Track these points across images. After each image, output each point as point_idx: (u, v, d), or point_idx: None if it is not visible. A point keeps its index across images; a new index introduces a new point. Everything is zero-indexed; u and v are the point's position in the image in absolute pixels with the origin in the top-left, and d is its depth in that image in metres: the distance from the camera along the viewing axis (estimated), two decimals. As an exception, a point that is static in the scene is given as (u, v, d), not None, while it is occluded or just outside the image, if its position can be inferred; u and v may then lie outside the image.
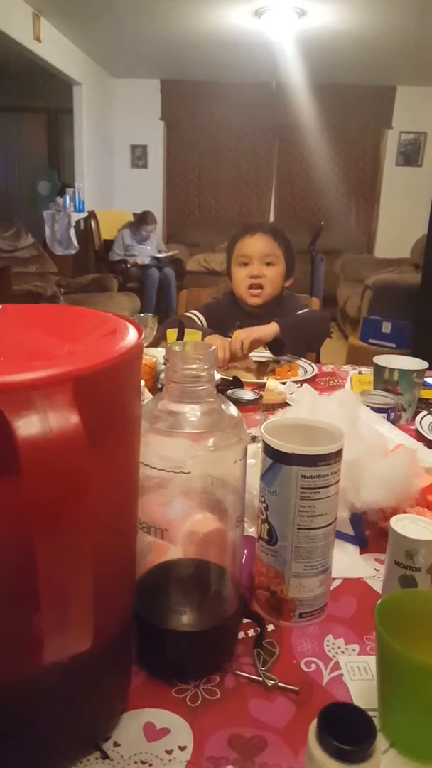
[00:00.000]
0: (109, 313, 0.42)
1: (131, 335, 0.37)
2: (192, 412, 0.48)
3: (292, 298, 1.78)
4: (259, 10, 4.02)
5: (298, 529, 0.54)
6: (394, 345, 3.58)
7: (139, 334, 0.38)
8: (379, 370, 1.21)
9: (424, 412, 1.20)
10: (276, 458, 0.54)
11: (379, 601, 0.47)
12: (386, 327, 3.75)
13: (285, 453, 0.53)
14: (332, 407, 0.82)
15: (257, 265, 1.62)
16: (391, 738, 0.46)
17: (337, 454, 0.55)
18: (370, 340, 3.79)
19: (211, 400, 0.49)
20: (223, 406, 0.50)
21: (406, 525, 0.59)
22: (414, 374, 1.17)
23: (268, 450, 0.55)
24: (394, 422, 1.08)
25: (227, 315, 1.68)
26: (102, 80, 5.90)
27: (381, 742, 0.45)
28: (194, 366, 0.47)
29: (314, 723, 0.37)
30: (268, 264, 1.63)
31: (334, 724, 0.35)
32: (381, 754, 0.43)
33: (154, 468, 0.47)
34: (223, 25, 4.33)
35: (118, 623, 0.42)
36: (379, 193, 6.51)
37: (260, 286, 1.62)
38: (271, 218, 6.53)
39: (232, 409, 0.50)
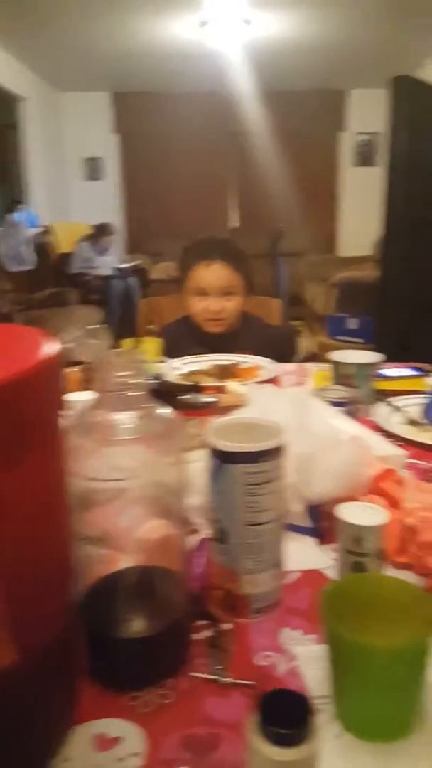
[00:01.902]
0: (30, 328, 0.42)
1: (46, 349, 0.37)
2: (126, 419, 0.48)
3: (256, 321, 1.73)
4: (203, 21, 4.07)
5: (246, 525, 0.55)
6: (362, 340, 3.62)
7: (57, 347, 0.38)
8: (335, 365, 1.23)
9: (382, 404, 1.22)
10: (219, 458, 0.55)
11: (324, 588, 0.48)
12: (353, 323, 3.80)
13: (227, 452, 0.54)
14: (284, 405, 0.84)
15: (216, 299, 1.55)
16: (345, 722, 0.46)
17: (278, 450, 0.56)
18: (338, 337, 3.84)
19: (145, 405, 0.49)
20: (158, 411, 0.50)
21: (354, 512, 0.60)
22: (369, 368, 1.19)
23: (212, 450, 0.55)
24: (352, 415, 1.10)
25: (185, 340, 1.60)
26: (49, 94, 5.88)
27: (334, 727, 0.46)
28: (124, 374, 0.47)
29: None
30: (227, 294, 1.56)
31: (272, 711, 0.36)
32: (333, 738, 0.44)
33: (94, 479, 0.47)
34: (169, 35, 4.37)
35: (53, 637, 0.41)
36: (337, 193, 6.62)
37: (220, 318, 1.57)
38: (235, 224, 6.58)
39: (168, 414, 0.51)
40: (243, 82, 5.42)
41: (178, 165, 6.42)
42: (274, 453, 0.55)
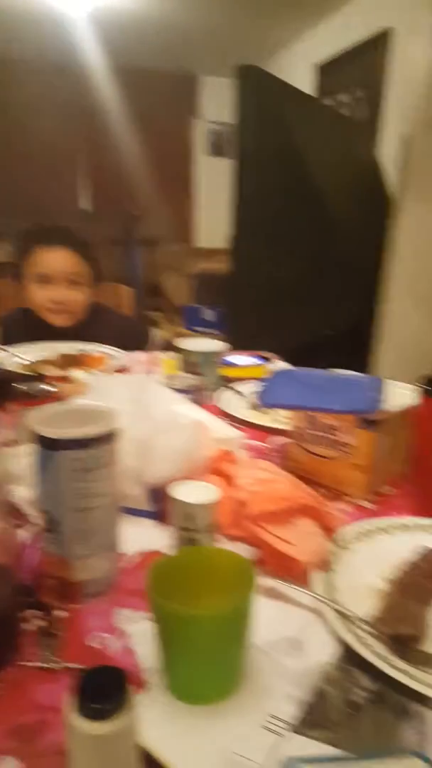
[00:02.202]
0: None
1: None
2: None
3: (106, 312, 1.66)
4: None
5: (75, 512, 0.55)
6: (217, 330, 3.74)
7: None
8: (182, 354, 1.26)
9: (226, 389, 1.28)
10: (45, 446, 0.54)
11: (151, 564, 0.50)
12: (209, 314, 3.91)
13: (52, 439, 0.53)
14: (124, 392, 0.84)
15: (60, 288, 1.44)
16: (173, 690, 0.49)
17: (109, 435, 0.56)
18: (195, 328, 3.92)
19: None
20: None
21: (186, 491, 0.63)
22: (213, 356, 1.24)
23: (37, 438, 0.54)
24: (197, 401, 1.14)
25: (25, 333, 1.46)
26: None
27: (164, 695, 0.48)
28: None
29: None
30: (72, 283, 1.47)
31: (90, 689, 0.37)
32: (161, 705, 0.46)
33: None
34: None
35: None
36: (193, 183, 6.68)
37: (66, 310, 1.47)
38: (87, 206, 6.36)
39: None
40: (92, 54, 5.23)
41: (24, 138, 6.01)
42: (104, 439, 0.55)
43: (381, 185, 2.75)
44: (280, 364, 1.48)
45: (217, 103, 6.31)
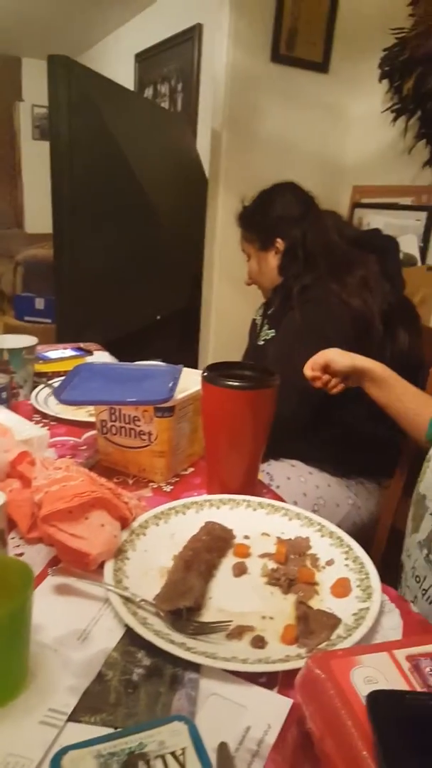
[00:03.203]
0: None
1: None
2: None
3: None
4: None
5: None
6: (49, 320, 3.61)
7: None
8: (-11, 351, 1.20)
9: (42, 386, 1.25)
10: None
11: None
12: (39, 303, 3.76)
13: None
14: None
15: None
16: None
17: None
18: (26, 318, 3.75)
19: None
20: None
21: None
22: (23, 351, 1.20)
23: None
24: (7, 401, 1.10)
25: None
26: None
27: None
28: None
29: None
30: None
31: None
32: None
33: None
34: None
35: None
36: (20, 167, 6.35)
37: None
38: None
39: None
40: None
41: None
42: None
43: (200, 175, 2.84)
44: (100, 355, 1.47)
45: (40, 87, 6.00)
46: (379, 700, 0.42)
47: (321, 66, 2.45)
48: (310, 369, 1.08)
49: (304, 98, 2.45)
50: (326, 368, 1.08)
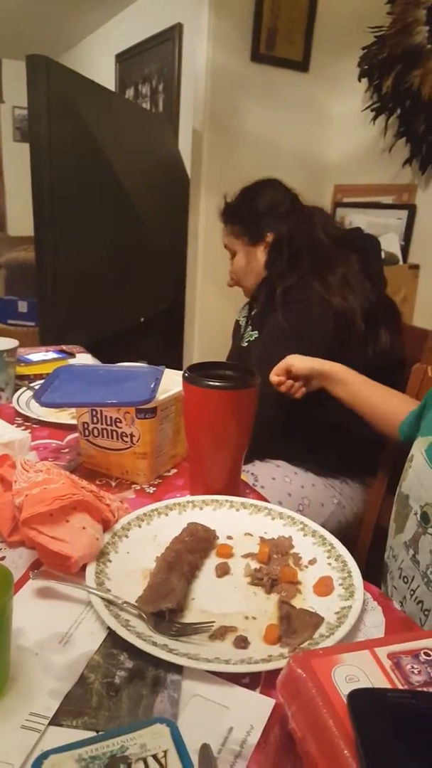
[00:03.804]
0: None
1: None
2: None
3: None
4: None
5: None
6: (32, 323, 3.59)
7: None
8: (-30, 354, 1.19)
9: (23, 389, 1.24)
10: None
11: None
12: (22, 306, 3.73)
13: None
14: None
15: None
16: None
17: None
18: (9, 321, 3.73)
19: None
20: None
21: None
22: (4, 354, 1.19)
23: None
24: (-12, 404, 1.09)
25: None
26: None
27: None
28: None
29: None
30: None
31: None
32: None
33: None
34: None
35: None
36: (1, 169, 6.30)
37: None
38: None
39: None
40: None
41: None
42: None
43: (182, 175, 2.83)
44: (82, 358, 1.46)
45: (20, 88, 5.95)
46: (360, 698, 0.42)
47: (301, 65, 2.46)
48: (275, 374, 1.12)
49: (285, 97, 2.45)
50: (288, 373, 1.11)
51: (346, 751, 0.39)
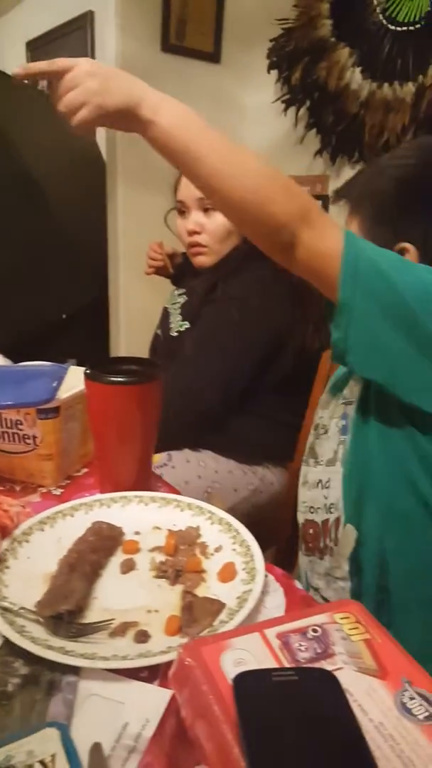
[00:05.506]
0: None
1: None
2: None
3: None
4: None
5: None
6: None
7: None
8: None
9: None
10: None
11: None
12: None
13: None
14: None
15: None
16: None
17: None
18: None
19: None
20: None
21: None
22: None
23: None
24: None
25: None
26: None
27: None
28: None
29: None
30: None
31: None
32: None
33: None
34: None
35: None
36: None
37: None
38: None
39: None
40: None
41: None
42: None
43: (100, 165, 2.78)
44: (-6, 359, 1.41)
45: None
46: (244, 681, 0.43)
47: (212, 56, 2.45)
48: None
49: (197, 88, 2.44)
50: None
51: (229, 735, 0.40)
